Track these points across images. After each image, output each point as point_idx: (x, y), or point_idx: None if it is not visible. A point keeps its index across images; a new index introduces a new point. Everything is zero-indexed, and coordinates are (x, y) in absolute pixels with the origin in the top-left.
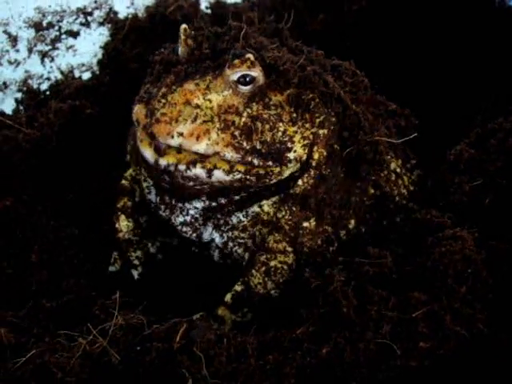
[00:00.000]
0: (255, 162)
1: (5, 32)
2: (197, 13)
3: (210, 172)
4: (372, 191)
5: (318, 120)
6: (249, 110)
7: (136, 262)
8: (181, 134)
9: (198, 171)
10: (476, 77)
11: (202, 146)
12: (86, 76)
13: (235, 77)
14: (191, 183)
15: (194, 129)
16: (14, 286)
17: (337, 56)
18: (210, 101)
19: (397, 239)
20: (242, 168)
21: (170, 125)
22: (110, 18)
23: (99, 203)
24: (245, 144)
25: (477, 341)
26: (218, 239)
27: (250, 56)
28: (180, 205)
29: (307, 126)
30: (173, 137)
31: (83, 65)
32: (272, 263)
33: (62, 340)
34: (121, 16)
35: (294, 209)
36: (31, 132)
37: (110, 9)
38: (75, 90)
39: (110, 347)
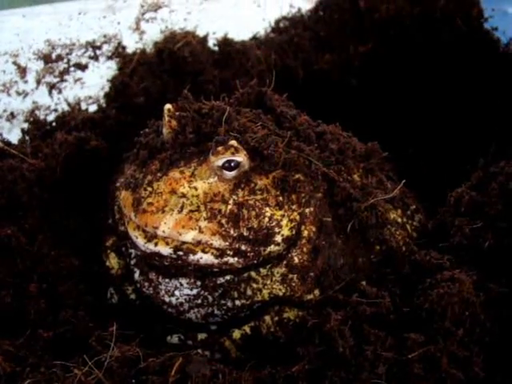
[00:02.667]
0: (243, 248)
1: (14, 63)
2: (204, 50)
3: (198, 257)
4: (378, 247)
5: (304, 200)
6: (235, 197)
7: (133, 296)
8: (167, 225)
9: (187, 256)
10: (480, 120)
11: (189, 237)
12: (93, 108)
13: (220, 163)
14: (179, 262)
15: (181, 219)
16: (12, 315)
17: (342, 95)
18: (196, 188)
19: (395, 279)
20: (230, 252)
21: (156, 215)
22: (119, 53)
23: (100, 235)
24: (232, 232)
25: None
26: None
27: (234, 142)
28: (166, 281)
29: (294, 207)
30: (160, 228)
31: (90, 97)
32: (285, 315)
33: (58, 370)
34: (129, 50)
35: (292, 279)
36: (36, 162)
37: (119, 43)
38: (81, 122)
39: (106, 379)
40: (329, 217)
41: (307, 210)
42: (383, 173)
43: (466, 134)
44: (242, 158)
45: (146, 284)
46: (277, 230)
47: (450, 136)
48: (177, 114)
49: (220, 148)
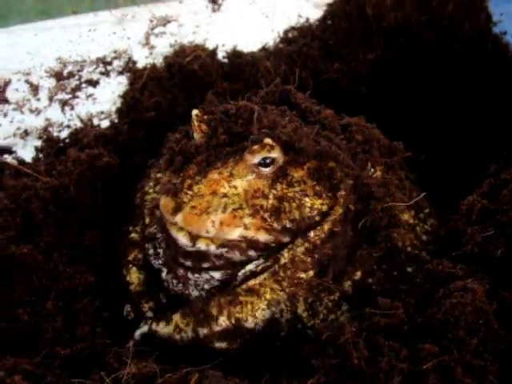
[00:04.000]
0: (287, 239)
1: (27, 81)
2: (214, 62)
3: (244, 251)
4: (383, 244)
5: (336, 184)
6: (274, 191)
7: (149, 313)
8: (213, 226)
9: (233, 253)
10: (491, 126)
11: (235, 234)
12: (105, 124)
13: (256, 160)
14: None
15: (226, 218)
16: (30, 333)
17: (352, 103)
18: (236, 187)
19: (408, 290)
20: (274, 245)
21: (201, 217)
22: (129, 68)
23: (115, 251)
24: (275, 225)
25: None
26: None
27: (269, 141)
28: (196, 275)
29: (330, 194)
30: (205, 229)
31: (102, 113)
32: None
33: None
34: (139, 65)
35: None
36: (49, 180)
37: (129, 58)
38: (94, 138)
39: None
40: (353, 206)
41: (338, 194)
42: (402, 173)
43: (478, 140)
44: (276, 153)
45: (175, 281)
46: (317, 218)
47: (461, 142)
48: (205, 117)
49: (256, 147)
